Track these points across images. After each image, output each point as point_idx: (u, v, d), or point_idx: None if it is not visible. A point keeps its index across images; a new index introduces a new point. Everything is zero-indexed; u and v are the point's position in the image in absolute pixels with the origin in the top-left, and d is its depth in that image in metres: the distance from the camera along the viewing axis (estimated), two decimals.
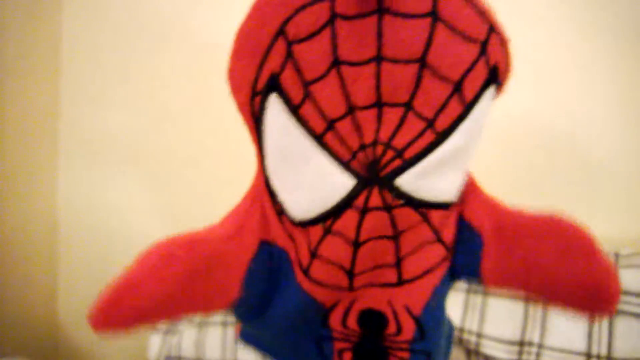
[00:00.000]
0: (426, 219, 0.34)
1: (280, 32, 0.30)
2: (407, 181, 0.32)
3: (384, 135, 0.31)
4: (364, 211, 0.33)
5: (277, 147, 0.34)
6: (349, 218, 0.33)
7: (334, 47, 0.29)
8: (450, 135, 0.31)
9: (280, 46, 0.30)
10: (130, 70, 0.91)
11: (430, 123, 0.31)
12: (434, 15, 0.29)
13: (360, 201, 0.32)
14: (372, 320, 0.37)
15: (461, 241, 0.37)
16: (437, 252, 0.36)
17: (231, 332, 0.71)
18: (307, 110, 0.31)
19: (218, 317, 0.73)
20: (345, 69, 0.30)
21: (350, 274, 0.35)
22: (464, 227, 0.36)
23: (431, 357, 0.39)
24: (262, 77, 0.32)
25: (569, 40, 0.71)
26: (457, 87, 0.30)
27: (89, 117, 0.94)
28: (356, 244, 0.34)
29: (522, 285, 0.35)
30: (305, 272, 0.36)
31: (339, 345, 0.39)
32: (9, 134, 0.87)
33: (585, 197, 0.71)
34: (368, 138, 0.31)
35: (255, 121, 0.33)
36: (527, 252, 0.34)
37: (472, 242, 0.36)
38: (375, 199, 0.32)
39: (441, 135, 0.31)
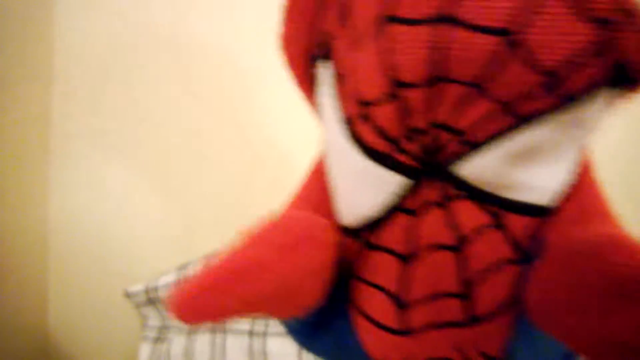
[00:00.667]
0: (499, 224, 0.25)
1: None
2: (473, 170, 0.24)
3: (441, 116, 0.23)
4: (416, 212, 0.26)
5: (327, 128, 0.27)
6: (397, 225, 0.26)
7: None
8: (534, 122, 0.23)
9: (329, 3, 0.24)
10: (124, 74, 0.91)
11: (505, 106, 0.23)
12: None
13: (410, 200, 0.26)
14: None
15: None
16: (516, 275, 0.26)
17: (220, 339, 0.70)
18: (347, 85, 0.24)
19: (207, 325, 0.72)
20: (392, 28, 0.22)
21: (400, 303, 0.27)
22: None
23: None
24: (315, 39, 0.26)
25: None
26: (551, 78, 0.22)
27: (81, 121, 0.94)
28: (406, 258, 0.26)
29: (563, 333, 0.23)
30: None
31: None
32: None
33: None
34: (419, 121, 0.24)
35: (314, 98, 0.28)
36: (570, 280, 0.22)
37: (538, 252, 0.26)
38: (430, 193, 0.25)
39: (521, 119, 0.23)
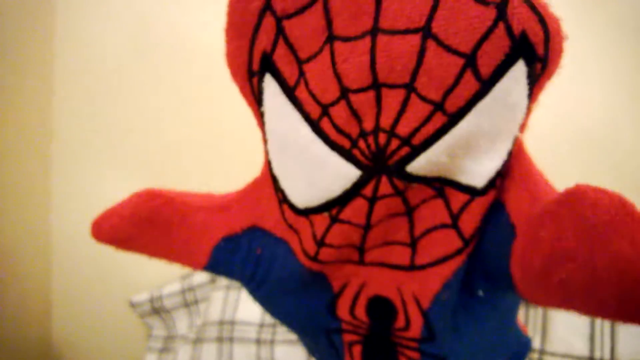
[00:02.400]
0: (442, 195, 0.30)
1: (267, 7, 0.28)
2: (420, 167, 0.28)
3: (385, 121, 0.27)
4: (374, 199, 0.30)
5: (275, 131, 0.31)
6: (358, 206, 0.31)
7: (328, 21, 0.26)
8: (465, 116, 0.26)
9: (269, 23, 0.28)
10: (126, 82, 0.91)
11: (438, 106, 0.26)
12: None
13: (368, 190, 0.30)
14: (381, 309, 0.35)
15: (494, 236, 0.31)
16: (452, 241, 0.31)
17: (227, 348, 0.70)
18: (303, 93, 0.28)
19: (214, 334, 0.71)
20: (338, 46, 0.26)
21: (361, 249, 0.33)
22: (500, 219, 0.30)
23: None
24: (255, 58, 0.30)
25: (589, 32, 0.68)
26: (470, 62, 0.25)
27: (82, 130, 0.93)
28: (367, 227, 0.32)
29: (554, 291, 0.25)
30: (313, 258, 0.34)
31: (348, 337, 0.37)
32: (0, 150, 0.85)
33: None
34: (368, 124, 0.28)
35: (257, 103, 0.32)
36: (548, 243, 0.24)
37: (506, 238, 0.29)
38: (385, 187, 0.29)
39: (453, 116, 0.26)
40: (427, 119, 0.26)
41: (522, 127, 0.29)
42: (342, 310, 0.36)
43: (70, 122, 0.94)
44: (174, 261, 0.39)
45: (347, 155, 0.29)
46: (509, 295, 0.32)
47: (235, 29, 0.30)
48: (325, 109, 0.28)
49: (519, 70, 0.26)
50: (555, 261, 0.23)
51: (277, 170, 0.33)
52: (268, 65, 0.29)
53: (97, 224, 0.38)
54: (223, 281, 0.76)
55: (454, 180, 0.30)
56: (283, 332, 0.68)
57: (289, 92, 0.29)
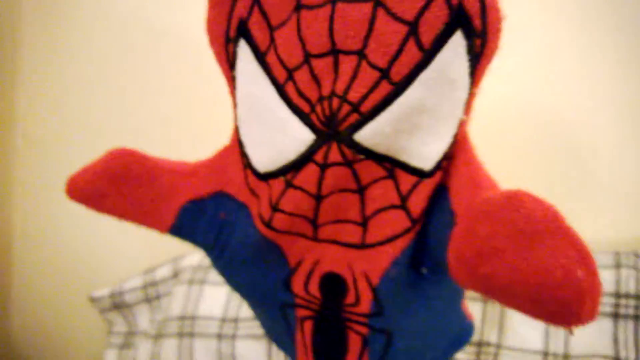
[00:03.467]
0: (392, 176, 0.32)
1: None
2: (367, 137, 0.30)
3: (339, 87, 0.29)
4: (324, 166, 0.32)
5: (245, 94, 0.34)
6: (310, 172, 0.32)
7: None
8: (409, 86, 0.28)
9: None
10: (89, 75, 0.89)
11: (385, 73, 0.28)
12: None
13: (319, 156, 0.31)
14: (333, 286, 0.36)
15: (437, 218, 0.33)
16: (401, 221, 0.33)
17: (187, 343, 0.69)
18: (273, 58, 0.31)
19: (174, 329, 0.71)
20: (304, 13, 0.29)
21: (314, 224, 0.35)
22: (443, 203, 0.32)
23: (392, 339, 0.37)
24: (233, 24, 0.32)
25: (572, 23, 0.68)
26: (413, 29, 0.27)
27: (46, 124, 0.91)
28: (318, 197, 0.33)
29: (479, 281, 0.27)
30: (267, 224, 0.35)
31: (301, 313, 0.39)
32: None
33: (584, 195, 0.68)
34: (325, 90, 0.30)
35: (230, 69, 0.34)
36: (481, 239, 0.26)
37: (447, 223, 0.31)
38: (335, 155, 0.31)
39: (398, 85, 0.28)
40: (375, 86, 0.29)
41: (467, 110, 0.31)
42: (297, 286, 0.38)
43: (34, 114, 0.91)
44: (141, 222, 0.40)
45: (305, 119, 0.31)
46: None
47: None
48: (290, 73, 0.30)
49: (458, 42, 0.27)
50: (484, 256, 0.25)
51: (244, 136, 0.36)
52: (243, 31, 0.32)
53: (72, 180, 0.38)
54: (186, 275, 0.75)
55: (403, 162, 0.31)
56: (245, 327, 0.68)
57: (261, 57, 0.31)
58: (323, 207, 0.34)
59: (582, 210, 0.68)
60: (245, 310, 0.69)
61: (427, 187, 0.32)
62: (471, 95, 0.30)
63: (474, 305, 0.63)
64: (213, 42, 0.34)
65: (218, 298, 0.71)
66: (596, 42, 0.67)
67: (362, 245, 0.35)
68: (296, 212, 0.34)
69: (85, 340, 0.89)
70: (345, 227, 0.35)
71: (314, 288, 0.37)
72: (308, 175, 0.33)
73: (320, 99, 0.30)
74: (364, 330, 0.37)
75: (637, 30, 0.66)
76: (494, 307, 0.62)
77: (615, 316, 0.58)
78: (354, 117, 0.30)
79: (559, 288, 0.22)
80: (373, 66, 0.28)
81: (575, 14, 0.68)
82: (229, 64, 0.34)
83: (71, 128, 0.89)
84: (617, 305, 0.58)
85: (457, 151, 0.32)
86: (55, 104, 0.90)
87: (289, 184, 0.33)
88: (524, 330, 0.60)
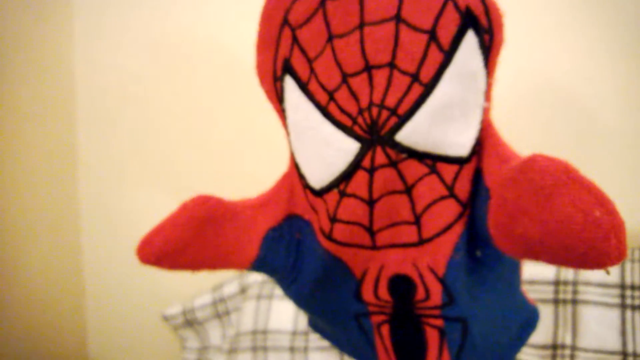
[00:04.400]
0: (435, 171, 0.35)
1: (285, 22, 0.35)
2: (407, 136, 0.33)
3: (376, 97, 0.33)
4: (372, 170, 0.35)
5: (293, 123, 0.37)
6: (360, 178, 0.35)
7: (327, 24, 0.33)
8: (437, 84, 0.32)
9: (286, 34, 0.35)
10: (148, 98, 0.93)
11: (415, 77, 0.32)
12: None
13: (367, 161, 0.35)
14: (401, 286, 0.38)
15: (478, 199, 0.35)
16: (452, 208, 0.36)
17: (262, 356, 0.71)
18: (314, 85, 0.35)
19: (248, 343, 0.73)
20: (336, 42, 0.33)
21: (371, 231, 0.37)
22: (480, 184, 0.35)
23: (468, 326, 0.38)
24: (278, 64, 0.36)
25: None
26: (432, 36, 0.31)
27: (107, 150, 0.96)
28: (371, 202, 0.36)
29: (517, 243, 0.29)
30: (329, 237, 0.38)
31: (376, 319, 0.40)
32: (27, 175, 0.88)
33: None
34: (364, 102, 0.34)
35: (280, 103, 0.38)
36: (510, 202, 0.29)
37: (485, 200, 0.33)
38: (380, 157, 0.34)
39: (428, 86, 0.32)
40: (408, 89, 0.32)
41: (487, 98, 0.35)
42: (367, 294, 0.39)
43: (94, 143, 0.96)
44: (221, 265, 0.40)
45: (349, 131, 0.35)
46: (502, 255, 0.34)
47: (263, 42, 0.37)
48: (331, 95, 0.34)
49: (471, 40, 0.32)
50: (515, 217, 0.28)
51: (298, 158, 0.39)
52: (288, 68, 0.36)
53: (147, 241, 0.37)
54: (254, 291, 0.78)
55: (442, 155, 0.34)
56: (316, 339, 0.70)
57: (303, 86, 0.35)
58: (376, 212, 0.36)
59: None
60: None
61: (468, 171, 0.35)
62: (489, 84, 0.34)
63: (545, 308, 0.62)
64: (263, 82, 0.38)
65: (287, 312, 0.74)
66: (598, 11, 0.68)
67: (421, 242, 0.37)
68: (353, 220, 0.37)
69: (160, 358, 0.92)
70: (400, 229, 0.37)
71: (383, 292, 0.39)
72: (359, 182, 0.35)
73: (360, 111, 0.34)
74: (439, 322, 0.38)
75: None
76: (566, 308, 0.62)
77: None
78: (393, 120, 0.33)
79: (582, 231, 0.24)
80: (404, 72, 0.32)
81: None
82: (278, 98, 0.38)
83: (131, 152, 0.93)
84: None
85: (484, 136, 0.36)
86: (112, 131, 0.95)
87: (343, 194, 0.36)
88: (600, 330, 0.59)
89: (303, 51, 0.34)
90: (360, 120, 0.34)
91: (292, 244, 0.41)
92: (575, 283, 0.63)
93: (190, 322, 0.84)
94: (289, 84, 0.36)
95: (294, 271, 0.42)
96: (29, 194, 0.88)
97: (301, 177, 0.39)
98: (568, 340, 0.60)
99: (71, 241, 0.97)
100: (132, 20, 0.91)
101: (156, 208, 0.42)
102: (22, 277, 0.86)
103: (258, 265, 0.41)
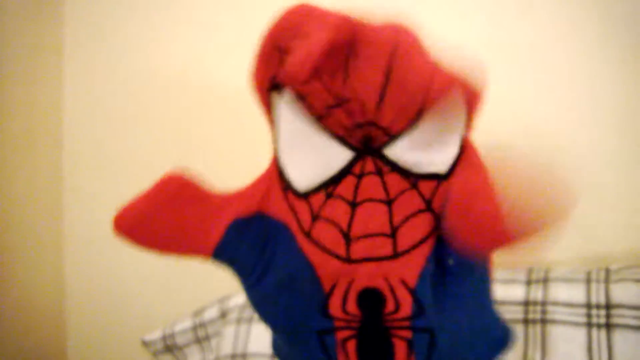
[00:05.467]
0: (415, 187, 0.39)
1: (276, 47, 0.39)
2: (394, 152, 0.39)
3: (370, 116, 0.38)
4: (360, 175, 0.39)
5: (287, 130, 0.41)
6: (348, 182, 0.39)
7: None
8: (420, 120, 0.38)
9: (276, 56, 0.38)
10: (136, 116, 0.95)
11: (402, 109, 0.38)
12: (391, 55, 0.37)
13: (357, 168, 0.39)
14: (371, 300, 0.40)
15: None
16: (428, 221, 0.40)
17: None
18: (311, 100, 0.39)
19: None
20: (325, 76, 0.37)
21: (347, 238, 0.39)
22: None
23: (435, 337, 0.39)
24: (281, 75, 0.39)
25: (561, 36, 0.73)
26: (419, 97, 0.37)
27: (91, 174, 0.97)
28: (354, 204, 0.39)
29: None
30: (307, 233, 0.41)
31: (341, 334, 0.41)
32: (13, 198, 0.89)
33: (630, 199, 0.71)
34: (359, 119, 0.38)
35: (271, 112, 0.42)
36: (461, 209, 0.38)
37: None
38: (369, 166, 0.39)
39: (413, 119, 0.38)
40: (398, 117, 0.38)
41: (468, 128, 0.41)
42: (334, 308, 0.40)
43: (78, 167, 0.98)
44: (187, 246, 0.43)
45: (344, 142, 0.39)
46: (472, 266, 0.41)
47: (259, 59, 0.40)
48: (328, 110, 0.38)
49: (457, 101, 0.38)
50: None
51: (285, 161, 0.42)
52: (278, 84, 0.39)
53: (121, 212, 0.41)
54: (233, 315, 0.79)
55: (423, 173, 0.39)
56: None
57: (301, 99, 0.39)
58: (357, 216, 0.39)
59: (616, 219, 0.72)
60: None
61: (444, 187, 0.40)
62: (469, 117, 0.40)
63: (515, 328, 0.64)
64: (257, 91, 0.42)
65: (267, 334, 0.74)
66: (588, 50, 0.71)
67: (395, 255, 0.39)
68: (333, 219, 0.40)
69: None
70: (375, 241, 0.39)
71: (352, 307, 0.40)
72: (346, 186, 0.39)
73: (356, 125, 0.38)
74: (407, 334, 0.39)
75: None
76: (535, 328, 0.64)
77: None
78: (385, 138, 0.39)
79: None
80: (392, 107, 0.37)
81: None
82: (269, 107, 0.42)
83: (114, 176, 0.95)
84: None
85: (463, 155, 0.40)
86: (98, 155, 0.96)
87: (330, 195, 0.40)
88: (567, 348, 0.61)
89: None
90: (355, 133, 0.39)
91: (258, 240, 0.43)
92: (544, 303, 0.65)
93: (170, 347, 0.84)
94: (285, 95, 0.40)
95: (257, 269, 0.43)
96: (13, 219, 0.88)
97: (283, 180, 0.42)
98: (537, 359, 0.62)
99: (54, 264, 0.97)
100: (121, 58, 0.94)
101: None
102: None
103: (219, 253, 0.43)
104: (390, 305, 0.39)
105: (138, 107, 0.94)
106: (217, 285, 0.85)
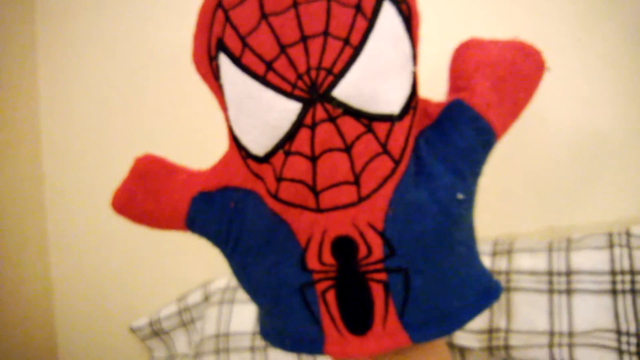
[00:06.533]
0: (370, 130, 0.39)
1: (218, 5, 0.40)
2: (342, 92, 0.39)
3: (313, 61, 0.38)
4: (313, 126, 0.39)
5: (232, 97, 0.41)
6: (303, 135, 0.39)
7: (260, 5, 0.39)
8: (365, 45, 0.38)
9: (219, 16, 0.40)
10: (111, 124, 0.97)
11: (346, 41, 0.38)
12: None
13: (308, 119, 0.39)
14: (344, 247, 0.41)
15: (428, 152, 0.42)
16: (386, 164, 0.40)
17: (224, 358, 0.75)
18: (248, 58, 0.39)
19: (211, 347, 0.76)
20: (272, 19, 0.38)
21: (315, 191, 0.40)
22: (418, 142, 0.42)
23: (409, 277, 0.40)
24: (212, 44, 0.41)
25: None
26: (358, 8, 0.38)
27: (72, 172, 0.99)
28: (313, 158, 0.40)
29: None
30: (274, 196, 0.42)
31: (320, 286, 0.42)
32: None
33: (590, 174, 0.72)
34: (302, 68, 0.39)
35: (216, 81, 0.42)
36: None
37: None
38: (320, 113, 0.39)
39: (357, 47, 0.38)
40: (341, 51, 0.38)
41: (415, 63, 0.42)
42: (312, 261, 0.41)
43: (59, 165, 0.99)
44: (163, 218, 0.46)
45: (290, 95, 0.39)
46: (472, 195, 0.43)
47: (199, 28, 0.41)
48: (269, 65, 0.39)
49: (389, 9, 0.39)
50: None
51: (238, 132, 0.43)
52: (221, 45, 0.40)
53: (114, 194, 0.47)
54: (216, 298, 0.82)
55: (375, 114, 0.39)
56: None
57: (237, 60, 0.39)
58: (319, 170, 0.40)
59: (578, 193, 0.74)
60: None
61: (401, 129, 0.40)
62: (415, 52, 0.41)
63: None
64: (199, 66, 0.43)
65: (248, 314, 0.77)
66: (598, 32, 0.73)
67: (360, 200, 0.40)
68: (297, 177, 0.40)
69: None
70: (341, 189, 0.40)
71: (327, 257, 0.41)
72: (302, 139, 0.39)
73: (299, 76, 0.38)
74: (382, 276, 0.40)
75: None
76: (501, 296, 0.68)
77: (614, 292, 0.63)
78: (330, 79, 0.38)
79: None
80: (336, 38, 0.38)
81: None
82: (214, 78, 0.42)
83: (96, 172, 0.96)
84: (614, 282, 0.64)
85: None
86: (79, 153, 0.98)
87: (288, 153, 0.40)
88: (530, 313, 0.65)
89: (235, 28, 0.39)
90: (300, 84, 0.38)
91: (225, 210, 0.45)
92: (508, 272, 0.69)
93: (157, 332, 0.87)
94: (224, 61, 0.40)
95: (230, 240, 0.45)
96: None
97: (241, 148, 0.43)
98: (502, 324, 0.66)
99: (39, 255, 0.99)
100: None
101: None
102: None
103: (190, 225, 0.46)
104: (362, 250, 0.40)
105: (118, 104, 0.96)
106: (201, 271, 0.88)
